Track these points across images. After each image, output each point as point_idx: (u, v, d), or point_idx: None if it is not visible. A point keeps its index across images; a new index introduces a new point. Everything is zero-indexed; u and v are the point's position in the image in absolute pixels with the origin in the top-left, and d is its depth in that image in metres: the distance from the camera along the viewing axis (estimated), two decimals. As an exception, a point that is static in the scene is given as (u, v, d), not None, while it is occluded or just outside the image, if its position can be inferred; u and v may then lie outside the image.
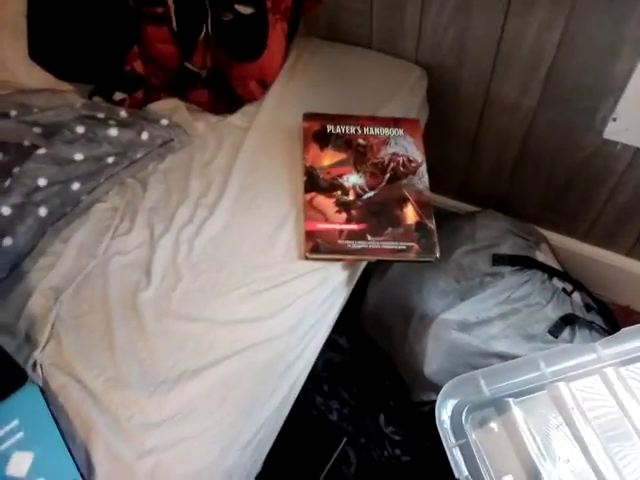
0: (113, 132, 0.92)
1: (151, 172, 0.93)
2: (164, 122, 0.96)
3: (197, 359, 0.73)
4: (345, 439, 1.08)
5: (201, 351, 0.73)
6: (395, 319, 1.14)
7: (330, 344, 1.22)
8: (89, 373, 0.71)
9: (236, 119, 0.98)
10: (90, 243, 0.84)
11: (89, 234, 0.85)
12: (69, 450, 0.65)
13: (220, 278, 0.80)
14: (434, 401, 0.91)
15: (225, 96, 0.98)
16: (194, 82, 0.98)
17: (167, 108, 0.99)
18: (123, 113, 0.97)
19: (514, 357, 0.98)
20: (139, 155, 0.93)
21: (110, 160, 0.91)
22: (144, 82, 1.00)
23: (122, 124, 0.94)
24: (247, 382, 0.73)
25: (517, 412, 0.89)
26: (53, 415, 0.67)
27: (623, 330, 0.96)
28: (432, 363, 1.05)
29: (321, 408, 1.14)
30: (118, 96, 1.00)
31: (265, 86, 1.00)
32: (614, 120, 0.98)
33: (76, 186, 0.87)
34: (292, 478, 1.06)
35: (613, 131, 0.99)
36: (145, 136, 0.93)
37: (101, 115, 0.95)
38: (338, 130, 0.94)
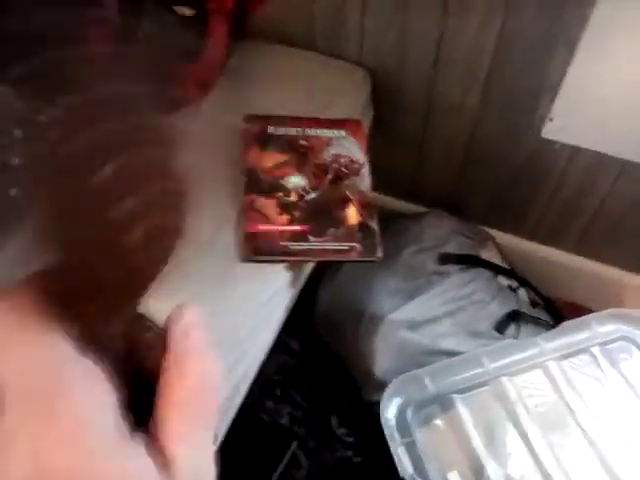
0: None
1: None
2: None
3: None
4: (296, 442, 1.07)
5: None
6: (346, 320, 1.13)
7: (282, 348, 1.21)
8: None
9: (174, 121, 0.95)
10: None
11: None
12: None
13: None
14: (385, 401, 0.91)
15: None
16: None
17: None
18: None
19: (461, 354, 0.98)
20: None
21: None
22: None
23: None
24: None
25: (461, 408, 0.90)
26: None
27: (564, 323, 0.98)
28: (382, 363, 1.05)
29: (272, 413, 1.12)
30: None
31: (205, 88, 0.98)
32: (551, 120, 0.99)
33: None
34: (242, 485, 1.04)
35: (551, 130, 1.01)
36: None
37: None
38: (279, 132, 0.93)
